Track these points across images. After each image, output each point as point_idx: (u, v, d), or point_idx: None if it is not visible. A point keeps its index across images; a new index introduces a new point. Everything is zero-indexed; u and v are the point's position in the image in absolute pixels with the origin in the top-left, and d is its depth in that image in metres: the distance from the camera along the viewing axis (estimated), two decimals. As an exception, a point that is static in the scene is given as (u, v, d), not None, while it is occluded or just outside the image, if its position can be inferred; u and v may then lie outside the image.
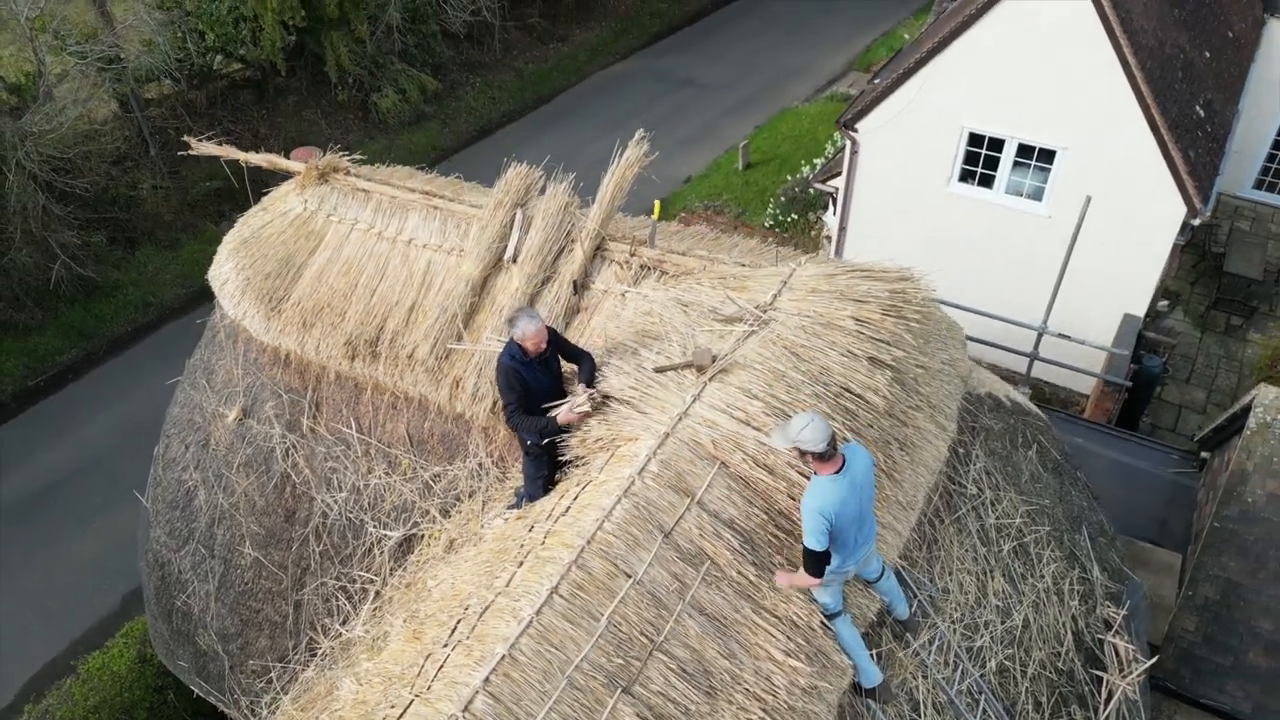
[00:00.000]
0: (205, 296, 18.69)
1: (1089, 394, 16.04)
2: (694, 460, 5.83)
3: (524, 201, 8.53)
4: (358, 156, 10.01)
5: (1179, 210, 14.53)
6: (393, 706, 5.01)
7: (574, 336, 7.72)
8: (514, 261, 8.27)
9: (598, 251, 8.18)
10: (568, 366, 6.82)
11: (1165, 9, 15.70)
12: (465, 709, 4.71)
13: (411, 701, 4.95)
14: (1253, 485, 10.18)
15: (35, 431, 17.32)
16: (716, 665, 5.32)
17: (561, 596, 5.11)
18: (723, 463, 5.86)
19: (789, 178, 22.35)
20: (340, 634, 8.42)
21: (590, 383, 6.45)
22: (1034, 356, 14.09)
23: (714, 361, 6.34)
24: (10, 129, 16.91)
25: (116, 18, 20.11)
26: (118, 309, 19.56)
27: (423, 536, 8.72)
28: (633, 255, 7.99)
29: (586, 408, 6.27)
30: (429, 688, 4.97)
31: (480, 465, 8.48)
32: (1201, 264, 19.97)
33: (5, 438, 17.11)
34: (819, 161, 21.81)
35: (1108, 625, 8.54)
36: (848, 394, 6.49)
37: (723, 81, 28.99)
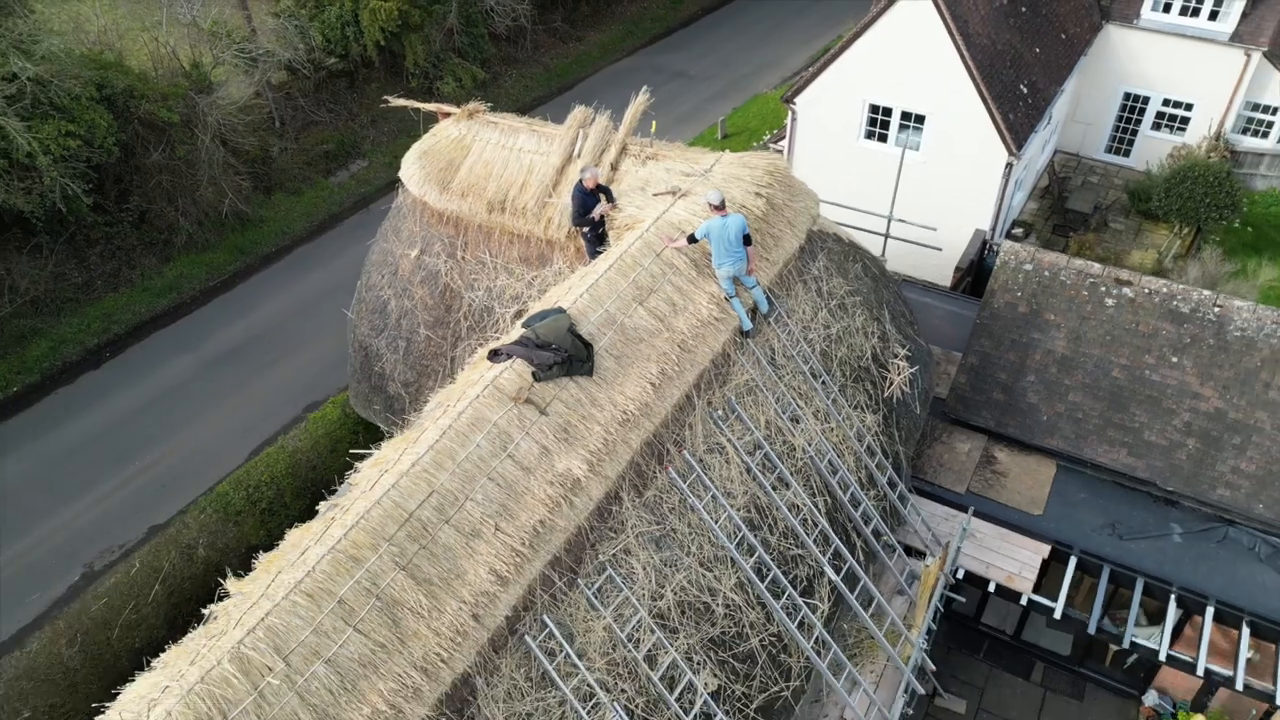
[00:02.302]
0: (326, 228, 27.21)
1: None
2: (666, 229, 13.19)
3: (584, 124, 15.87)
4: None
5: (1002, 155, 21.92)
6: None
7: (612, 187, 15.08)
8: (578, 157, 15.60)
9: (623, 151, 15.52)
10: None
11: (1002, 19, 23.06)
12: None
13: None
14: (997, 298, 17.54)
15: (219, 313, 24.67)
16: (678, 305, 12.65)
17: (620, 276, 12.44)
18: (682, 233, 13.20)
19: (754, 145, 29.76)
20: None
21: (610, 200, 13.84)
22: (886, 235, 21.56)
23: (677, 193, 13.72)
24: (204, 102, 24.28)
25: (257, 25, 27.50)
26: (263, 236, 26.95)
27: (522, 312, 16.03)
28: (641, 150, 15.36)
29: (607, 208, 13.66)
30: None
31: (558, 270, 15.79)
32: (1053, 204, 27.36)
33: (202, 316, 24.47)
34: (777, 132, 29.16)
35: (899, 351, 15.86)
36: (744, 208, 13.82)
37: (708, 74, 36.42)
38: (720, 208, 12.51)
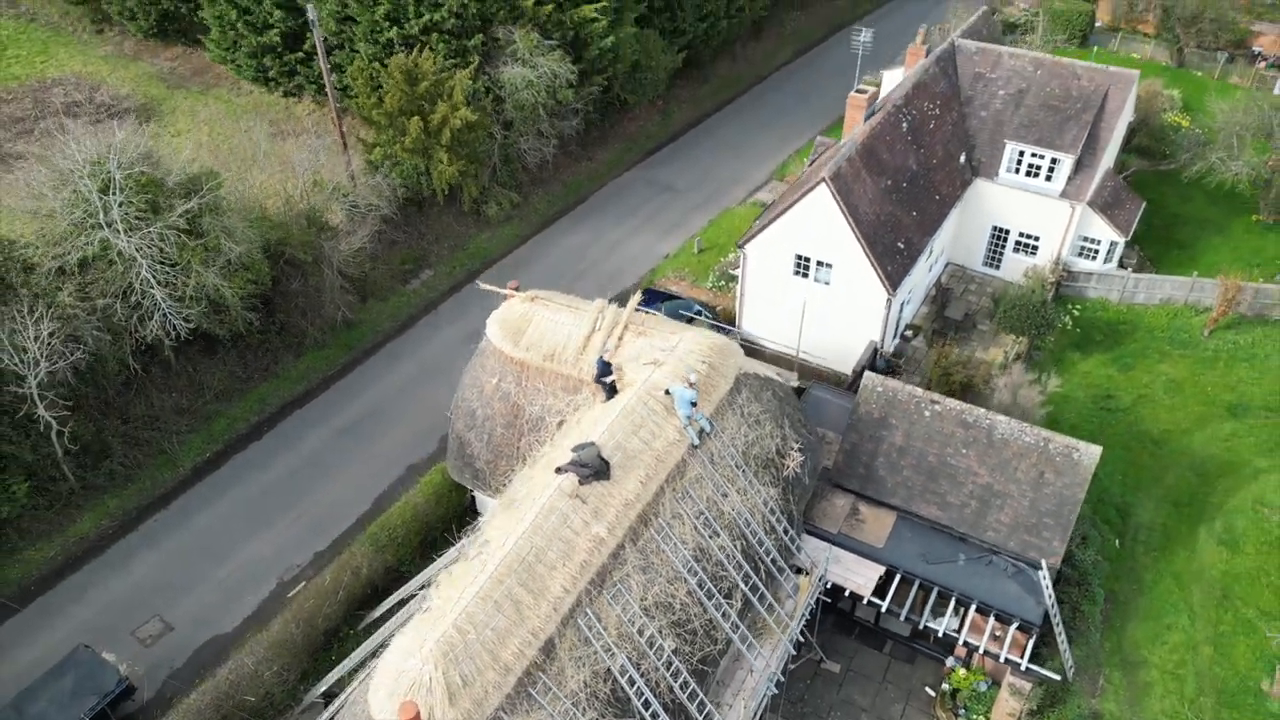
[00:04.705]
0: (407, 327, 37.84)
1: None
2: (652, 388, 23.23)
3: (601, 309, 25.93)
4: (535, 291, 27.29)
5: (883, 295, 31.98)
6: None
7: (614, 356, 25.10)
8: (599, 330, 25.64)
9: (625, 328, 25.59)
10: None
11: (886, 196, 33.10)
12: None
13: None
14: (861, 408, 27.56)
15: (338, 396, 34.68)
16: (656, 434, 22.68)
17: (624, 419, 22.48)
18: (662, 390, 23.24)
19: (722, 259, 39.87)
20: (541, 453, 25.71)
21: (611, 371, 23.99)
22: (798, 361, 31.61)
23: (657, 364, 23.83)
24: (328, 246, 34.31)
25: (357, 177, 37.59)
26: (363, 334, 37.02)
27: (563, 422, 26.02)
28: (633, 327, 25.45)
29: (616, 375, 23.77)
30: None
31: (585, 398, 25.76)
32: (936, 311, 37.47)
33: (326, 399, 34.47)
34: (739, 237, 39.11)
35: (793, 446, 25.85)
36: (695, 370, 23.85)
37: (689, 186, 46.48)
38: (691, 385, 22.56)
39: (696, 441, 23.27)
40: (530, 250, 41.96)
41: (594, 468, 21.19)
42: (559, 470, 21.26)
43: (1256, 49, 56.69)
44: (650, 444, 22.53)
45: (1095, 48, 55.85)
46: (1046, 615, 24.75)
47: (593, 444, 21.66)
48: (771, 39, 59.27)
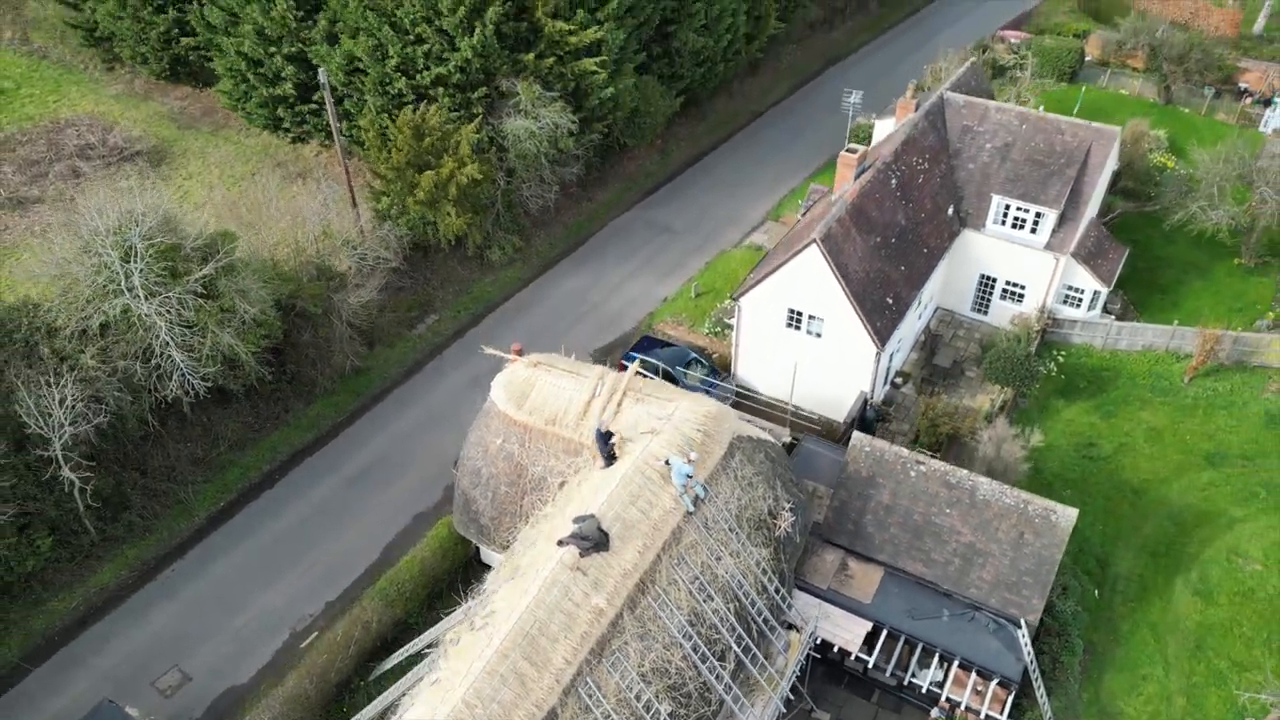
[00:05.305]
0: (413, 373, 39.08)
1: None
2: (649, 458, 24.44)
3: (601, 376, 27.15)
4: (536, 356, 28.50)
5: (872, 349, 33.19)
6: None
7: (613, 422, 26.30)
8: (598, 396, 26.85)
9: (624, 394, 26.80)
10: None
11: (875, 253, 34.30)
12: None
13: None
14: (850, 467, 28.78)
15: (347, 443, 35.88)
16: (653, 503, 23.90)
17: (622, 489, 23.70)
18: (661, 461, 24.47)
19: (718, 305, 41.09)
20: (543, 513, 26.92)
21: (611, 439, 25.22)
22: (790, 414, 32.83)
23: (654, 432, 25.05)
24: (337, 299, 35.52)
25: (366, 231, 38.81)
26: (371, 381, 38.23)
27: (564, 483, 27.21)
28: (632, 392, 26.67)
29: (616, 443, 25.00)
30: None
31: (585, 460, 26.96)
32: (925, 358, 38.68)
33: (335, 446, 35.69)
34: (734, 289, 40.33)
35: (785, 506, 27.07)
36: (690, 441, 25.07)
37: (687, 227, 47.67)
38: (690, 461, 23.78)
39: (691, 509, 24.48)
40: (532, 294, 43.17)
41: (594, 540, 22.41)
42: (561, 543, 22.48)
43: (1243, 85, 57.87)
44: (648, 513, 23.75)
45: (1084, 85, 57.07)
46: (1026, 670, 25.98)
47: (592, 516, 22.88)
48: (768, 74, 60.47)
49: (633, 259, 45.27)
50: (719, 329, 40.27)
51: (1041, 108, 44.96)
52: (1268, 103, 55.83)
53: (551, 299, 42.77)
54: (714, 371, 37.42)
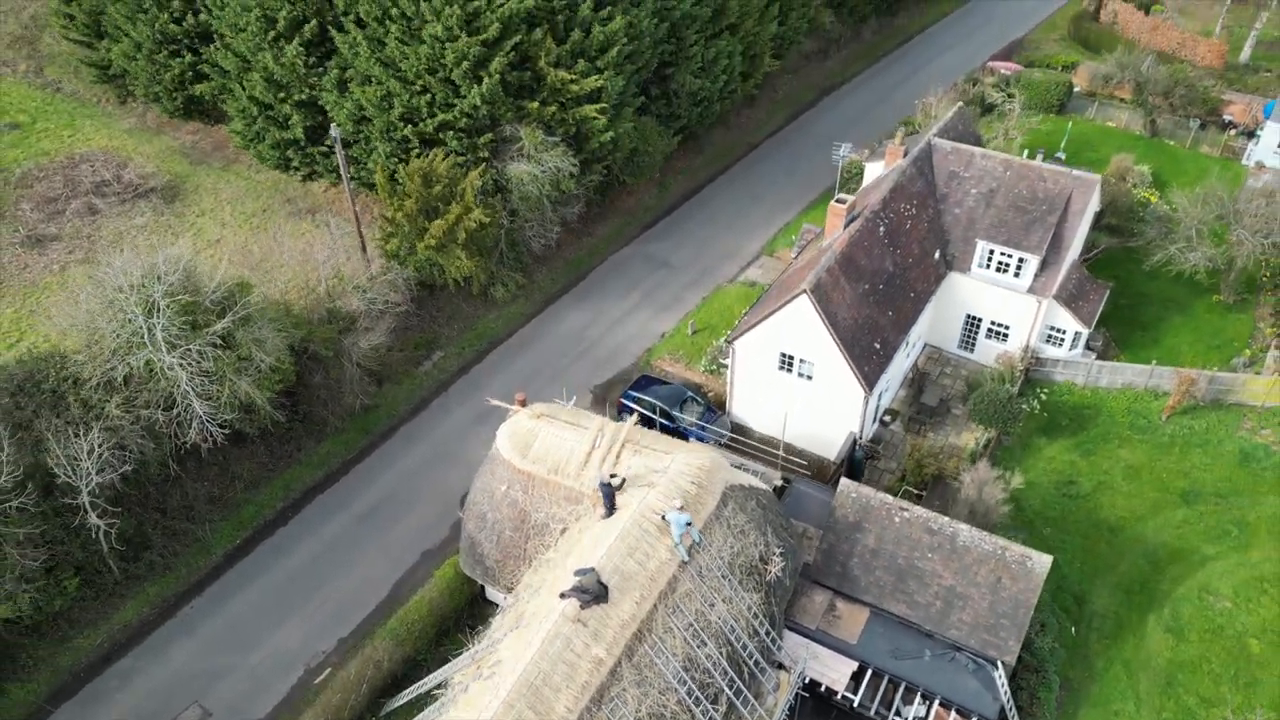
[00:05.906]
0: (420, 409, 40.61)
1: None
2: (646, 510, 25.93)
3: (601, 428, 28.63)
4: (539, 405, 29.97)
5: (860, 393, 34.67)
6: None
7: (613, 469, 27.78)
8: (597, 446, 28.33)
9: (624, 445, 28.28)
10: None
11: (863, 299, 35.78)
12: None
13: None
14: (838, 513, 30.25)
15: (357, 480, 37.37)
16: (649, 554, 25.38)
17: (620, 542, 25.19)
18: (655, 514, 25.95)
19: (714, 343, 42.57)
20: (546, 559, 28.38)
21: (615, 490, 26.70)
22: (780, 455, 34.34)
23: (651, 485, 26.54)
24: (348, 343, 37.01)
25: (376, 277, 40.30)
26: (379, 418, 39.72)
27: (565, 529, 28.70)
28: (630, 444, 28.15)
29: (616, 490, 26.50)
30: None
31: (586, 507, 28.44)
32: (913, 397, 40.15)
33: (346, 483, 37.17)
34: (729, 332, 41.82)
35: (775, 552, 28.54)
36: (684, 493, 26.56)
37: (684, 262, 49.13)
38: (681, 509, 25.28)
39: (687, 558, 25.95)
40: (534, 330, 44.64)
41: (594, 593, 23.89)
42: (563, 595, 23.95)
43: (1228, 117, 59.35)
44: (644, 565, 25.23)
45: (1073, 117, 58.55)
46: (1003, 710, 27.45)
47: (593, 570, 24.35)
48: (764, 105, 61.95)
49: (632, 294, 46.75)
50: (715, 366, 41.75)
51: (1025, 153, 46.38)
52: (1251, 135, 57.34)
53: (552, 335, 44.22)
54: (710, 409, 38.89)
